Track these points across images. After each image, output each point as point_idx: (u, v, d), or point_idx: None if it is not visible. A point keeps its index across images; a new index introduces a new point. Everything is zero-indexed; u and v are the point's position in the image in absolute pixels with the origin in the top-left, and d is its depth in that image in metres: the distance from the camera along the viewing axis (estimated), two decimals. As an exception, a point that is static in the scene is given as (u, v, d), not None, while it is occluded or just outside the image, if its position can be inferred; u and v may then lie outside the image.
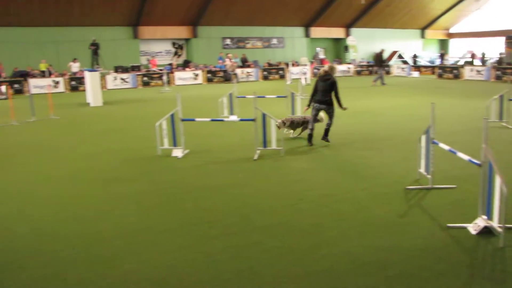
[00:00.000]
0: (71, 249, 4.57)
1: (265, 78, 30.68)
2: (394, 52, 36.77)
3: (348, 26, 37.32)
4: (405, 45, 38.83)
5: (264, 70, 31.08)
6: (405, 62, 35.66)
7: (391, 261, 4.11)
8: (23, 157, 9.03)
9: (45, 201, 6.20)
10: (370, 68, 33.82)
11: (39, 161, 8.65)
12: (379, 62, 24.19)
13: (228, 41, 33.53)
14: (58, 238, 4.87)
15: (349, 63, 34.72)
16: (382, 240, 4.57)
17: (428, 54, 39.78)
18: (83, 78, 23.94)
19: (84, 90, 22.61)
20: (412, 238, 4.59)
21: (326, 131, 9.06)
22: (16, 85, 23.85)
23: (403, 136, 9.85)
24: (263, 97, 13.74)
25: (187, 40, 32.79)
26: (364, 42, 37.34)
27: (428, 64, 35.87)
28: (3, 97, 21.00)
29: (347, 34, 37.48)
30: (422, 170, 6.49)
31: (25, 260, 4.35)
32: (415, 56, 37.08)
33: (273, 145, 8.47)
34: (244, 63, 31.32)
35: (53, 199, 6.25)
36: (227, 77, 28.85)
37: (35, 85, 23.63)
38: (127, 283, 3.86)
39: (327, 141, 9.08)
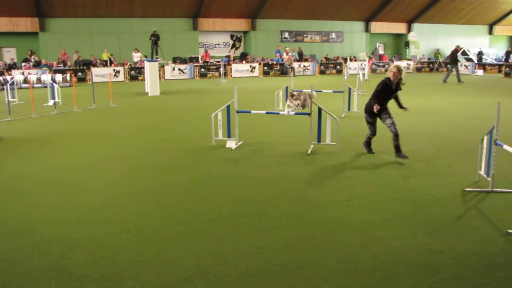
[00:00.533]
0: (125, 233, 4.73)
1: (322, 72, 30.38)
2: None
3: (410, 21, 36.26)
4: (470, 42, 37.16)
5: (321, 64, 30.80)
6: (469, 60, 34.23)
7: (444, 264, 3.99)
8: (81, 143, 9.42)
9: (100, 186, 6.45)
10: (431, 65, 32.78)
11: (96, 147, 9.00)
12: (453, 60, 23.31)
13: (286, 35, 33.45)
14: (113, 222, 5.05)
15: (409, 60, 33.79)
16: (435, 242, 4.44)
17: (495, 52, 37.95)
18: (142, 68, 24.68)
19: (143, 80, 23.31)
20: (468, 242, 4.42)
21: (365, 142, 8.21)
22: (79, 74, 24.91)
23: (464, 136, 9.49)
24: (320, 91, 13.61)
25: (245, 32, 33.01)
26: (425, 38, 36.19)
27: (495, 62, 34.27)
28: (67, 84, 21.99)
29: (409, 30, 36.45)
30: (482, 172, 6.23)
31: (81, 242, 4.54)
32: (480, 54, 35.49)
33: (328, 141, 8.39)
34: (300, 57, 31.18)
35: (108, 185, 6.50)
36: (284, 71, 28.82)
37: (97, 73, 24.54)
38: (176, 268, 3.96)
39: (367, 150, 8.15)
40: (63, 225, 4.96)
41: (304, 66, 30.01)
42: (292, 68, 28.29)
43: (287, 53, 29.61)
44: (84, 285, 3.71)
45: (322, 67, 30.58)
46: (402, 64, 31.41)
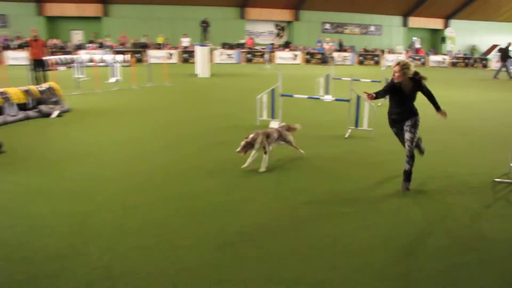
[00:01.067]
0: (177, 199, 4.87)
1: (361, 63, 29.87)
2: (494, 46, 33.90)
3: (447, 17, 34.97)
4: (508, 39, 35.43)
5: (360, 55, 30.24)
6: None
7: (470, 248, 3.90)
8: (139, 116, 9.66)
9: (156, 157, 6.62)
10: (466, 61, 31.61)
11: (153, 121, 9.22)
12: (505, 57, 22.44)
13: (327, 26, 32.93)
14: (167, 189, 5.20)
15: (444, 54, 32.69)
16: (464, 227, 4.35)
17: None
18: (193, 51, 24.89)
19: (193, 63, 23.51)
20: (495, 229, 4.30)
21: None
22: (137, 55, 25.37)
23: (498, 129, 9.16)
24: (358, 80, 13.40)
25: (289, 22, 32.68)
26: (462, 34, 34.80)
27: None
28: (127, 64, 22.42)
29: (445, 26, 35.16)
30: (513, 164, 6.03)
31: (137, 203, 4.71)
32: (516, 51, 33.82)
33: (364, 126, 8.29)
34: (340, 48, 30.72)
35: (164, 155, 6.67)
36: (324, 60, 28.47)
37: (153, 55, 24.92)
38: (221, 233, 4.05)
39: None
40: (122, 188, 5.15)
41: (344, 56, 29.55)
42: (332, 58, 27.92)
43: (327, 43, 29.23)
44: (142, 238, 3.88)
45: (361, 57, 30.02)
46: (438, 58, 30.33)
